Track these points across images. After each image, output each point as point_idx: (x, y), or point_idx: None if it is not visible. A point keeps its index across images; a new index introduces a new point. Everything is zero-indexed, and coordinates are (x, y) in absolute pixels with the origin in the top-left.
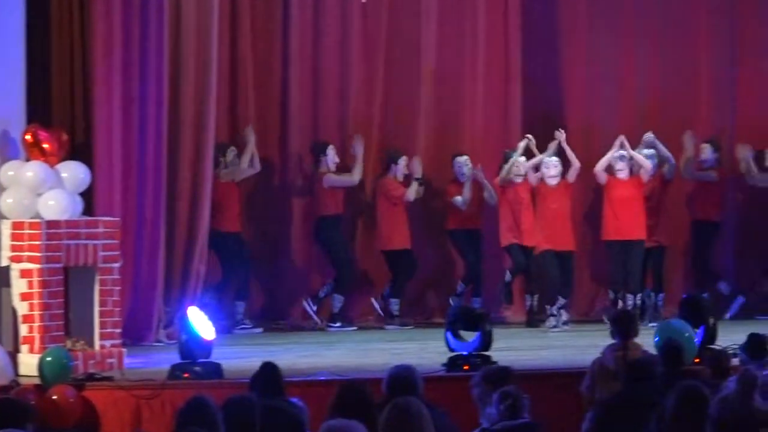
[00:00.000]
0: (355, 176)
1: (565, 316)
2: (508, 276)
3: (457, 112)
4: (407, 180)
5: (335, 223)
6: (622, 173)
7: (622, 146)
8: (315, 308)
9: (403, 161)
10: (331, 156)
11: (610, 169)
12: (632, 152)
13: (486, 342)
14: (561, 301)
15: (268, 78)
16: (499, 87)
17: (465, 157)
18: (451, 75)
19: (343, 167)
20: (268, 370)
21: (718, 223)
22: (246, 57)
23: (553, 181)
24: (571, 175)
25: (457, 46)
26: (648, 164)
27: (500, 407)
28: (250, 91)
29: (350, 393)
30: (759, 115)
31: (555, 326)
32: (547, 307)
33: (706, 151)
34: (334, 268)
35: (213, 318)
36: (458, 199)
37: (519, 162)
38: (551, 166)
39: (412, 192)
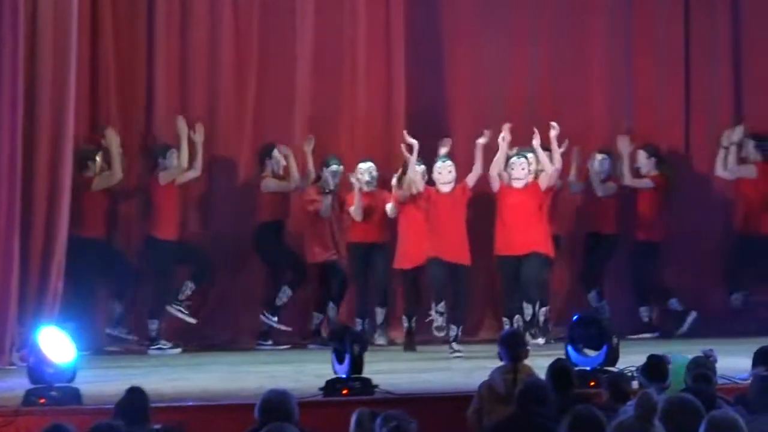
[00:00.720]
0: (291, 183)
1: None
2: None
3: (335, 109)
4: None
5: (275, 230)
6: (519, 182)
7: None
8: (275, 319)
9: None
10: (276, 159)
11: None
12: (538, 149)
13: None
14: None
15: (131, 76)
16: (381, 81)
17: (368, 164)
18: (329, 69)
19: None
20: (135, 395)
21: (657, 242)
22: (107, 54)
23: (445, 188)
24: (471, 180)
25: (335, 43)
26: (551, 167)
27: (383, 431)
28: (113, 90)
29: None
30: (655, 114)
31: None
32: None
33: (641, 157)
34: (283, 274)
35: (74, 338)
36: (351, 209)
37: (417, 171)
38: (444, 171)
39: (327, 207)
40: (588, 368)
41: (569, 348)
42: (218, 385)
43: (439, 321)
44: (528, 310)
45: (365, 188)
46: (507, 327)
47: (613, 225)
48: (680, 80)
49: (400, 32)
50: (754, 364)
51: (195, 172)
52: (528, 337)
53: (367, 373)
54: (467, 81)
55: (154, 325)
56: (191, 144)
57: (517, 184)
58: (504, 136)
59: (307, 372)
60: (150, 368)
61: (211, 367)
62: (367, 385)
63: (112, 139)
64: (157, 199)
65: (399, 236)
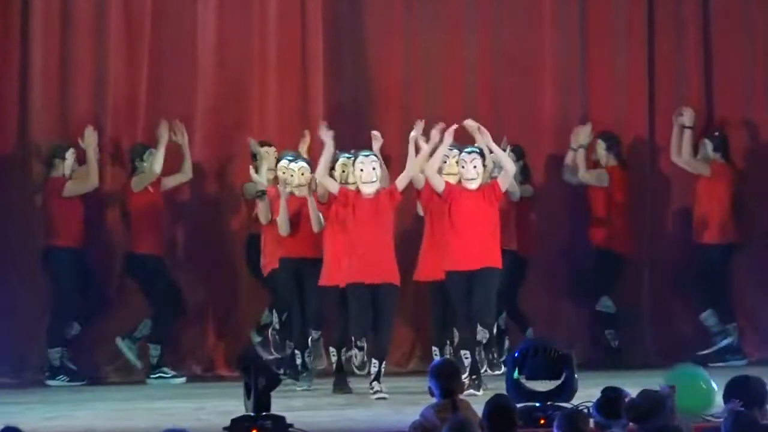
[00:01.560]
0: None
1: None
2: None
3: (241, 103)
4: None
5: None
6: (472, 183)
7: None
8: (260, 339)
9: (70, 155)
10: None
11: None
12: (492, 145)
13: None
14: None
15: (2, 70)
16: (295, 68)
17: (300, 164)
18: (235, 58)
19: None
20: None
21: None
22: None
23: (367, 189)
24: (400, 182)
25: (242, 29)
26: (511, 165)
27: None
28: None
29: None
30: (609, 108)
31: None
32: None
33: (599, 148)
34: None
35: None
36: (276, 219)
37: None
38: (366, 167)
39: (262, 214)
40: (537, 404)
41: (513, 380)
42: (105, 424)
43: (359, 358)
44: (484, 334)
45: (296, 193)
46: (437, 357)
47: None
48: (642, 68)
49: (318, 15)
50: (726, 397)
51: (184, 176)
52: (485, 367)
53: (281, 409)
54: (396, 73)
55: (157, 351)
56: (175, 146)
57: (470, 185)
58: (445, 134)
59: (208, 409)
60: (30, 405)
61: (97, 404)
62: (280, 424)
63: (90, 139)
64: (131, 209)
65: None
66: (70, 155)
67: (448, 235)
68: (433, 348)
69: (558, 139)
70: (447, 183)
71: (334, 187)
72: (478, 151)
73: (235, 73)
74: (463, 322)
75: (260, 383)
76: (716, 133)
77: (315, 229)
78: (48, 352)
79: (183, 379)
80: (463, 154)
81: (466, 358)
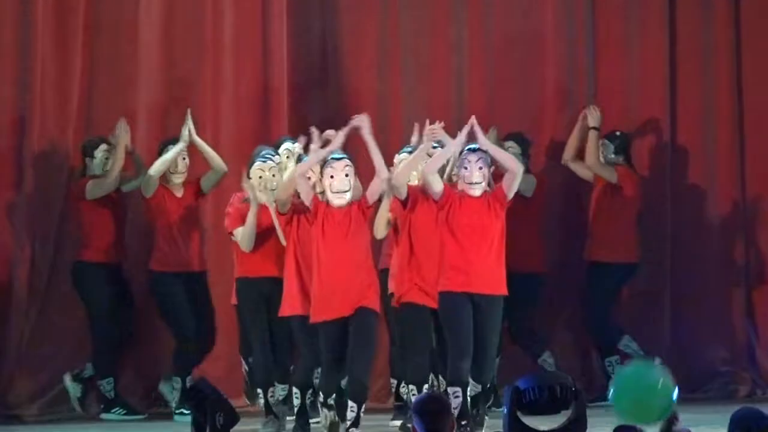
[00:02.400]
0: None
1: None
2: None
3: (193, 98)
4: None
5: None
6: (476, 189)
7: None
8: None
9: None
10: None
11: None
12: (486, 141)
13: None
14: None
15: None
16: (255, 58)
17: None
18: (185, 47)
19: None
20: None
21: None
22: None
23: (337, 201)
24: (372, 192)
25: (193, 14)
26: (516, 164)
27: None
28: None
29: None
30: (622, 97)
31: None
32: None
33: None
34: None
35: None
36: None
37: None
38: (337, 173)
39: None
40: None
41: (511, 419)
42: None
43: (328, 419)
44: (488, 376)
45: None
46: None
47: None
48: (662, 50)
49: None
50: None
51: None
52: (484, 413)
53: None
54: (370, 55)
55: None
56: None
57: (474, 192)
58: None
59: None
60: None
61: None
62: None
63: (122, 134)
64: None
65: None
66: (100, 152)
67: (447, 249)
68: (409, 386)
69: (561, 134)
70: (445, 186)
71: (307, 194)
72: (483, 149)
73: (184, 59)
74: (461, 354)
75: (218, 421)
76: (617, 133)
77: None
78: (99, 384)
79: (143, 414)
80: (466, 152)
81: (457, 397)
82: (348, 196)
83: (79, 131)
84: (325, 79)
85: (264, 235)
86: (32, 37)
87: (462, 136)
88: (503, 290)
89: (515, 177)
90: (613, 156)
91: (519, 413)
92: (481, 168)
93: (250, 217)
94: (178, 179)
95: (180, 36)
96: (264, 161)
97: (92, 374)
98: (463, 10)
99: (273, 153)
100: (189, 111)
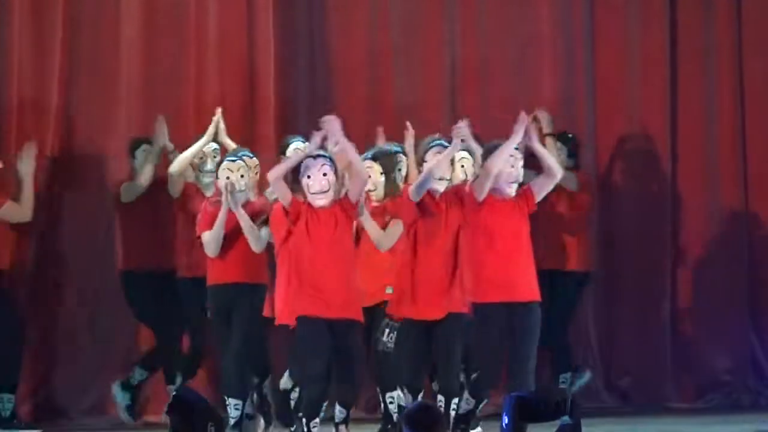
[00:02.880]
0: None
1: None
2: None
3: (175, 94)
4: None
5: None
6: (509, 189)
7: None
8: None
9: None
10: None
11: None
12: (537, 146)
13: None
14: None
15: None
16: (240, 56)
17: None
18: (167, 42)
19: None
20: None
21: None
22: None
23: (319, 201)
24: (354, 192)
25: (176, 8)
26: (558, 168)
27: None
28: None
29: None
30: (620, 92)
31: None
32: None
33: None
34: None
35: None
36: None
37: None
38: (314, 173)
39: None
40: None
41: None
42: None
43: None
44: (529, 384)
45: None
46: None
47: None
48: (662, 46)
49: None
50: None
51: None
52: None
53: None
54: (360, 49)
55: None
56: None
57: (507, 194)
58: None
59: None
60: None
61: None
62: None
63: (161, 131)
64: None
65: None
66: (140, 153)
67: (483, 256)
68: (397, 393)
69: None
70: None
71: (285, 196)
72: (516, 147)
73: (166, 54)
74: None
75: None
76: (570, 135)
77: (255, 248)
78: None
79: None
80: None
81: (468, 404)
82: (330, 195)
83: (58, 131)
84: (313, 74)
85: (229, 239)
86: (8, 34)
87: (518, 134)
88: (539, 297)
89: (552, 182)
90: (566, 160)
91: (521, 422)
92: (512, 166)
93: (218, 220)
94: (207, 179)
95: (162, 31)
96: (233, 161)
97: (141, 380)
98: (454, 1)
99: (250, 155)
100: (220, 110)
